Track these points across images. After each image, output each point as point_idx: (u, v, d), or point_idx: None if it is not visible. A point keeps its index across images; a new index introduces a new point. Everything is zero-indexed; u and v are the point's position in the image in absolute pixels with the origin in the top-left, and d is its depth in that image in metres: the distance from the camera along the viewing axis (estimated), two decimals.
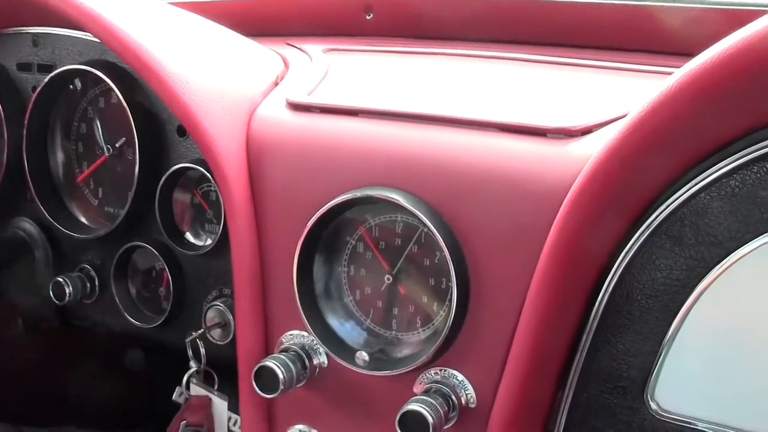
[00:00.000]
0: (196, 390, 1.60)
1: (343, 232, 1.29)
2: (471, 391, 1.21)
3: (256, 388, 1.27)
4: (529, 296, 1.11)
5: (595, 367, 1.12)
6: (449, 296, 1.17)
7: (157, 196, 1.54)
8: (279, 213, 1.32)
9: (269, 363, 1.27)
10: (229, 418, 1.58)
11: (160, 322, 1.59)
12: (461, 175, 1.17)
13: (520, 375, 1.15)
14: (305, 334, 1.34)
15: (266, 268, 1.35)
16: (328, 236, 1.29)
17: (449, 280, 1.16)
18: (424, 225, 1.18)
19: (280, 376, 1.27)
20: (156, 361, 1.87)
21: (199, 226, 1.60)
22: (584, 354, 1.15)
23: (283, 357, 1.29)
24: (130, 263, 1.65)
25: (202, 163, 1.43)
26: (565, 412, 1.17)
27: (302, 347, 1.34)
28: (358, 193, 1.20)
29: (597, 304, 1.12)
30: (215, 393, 1.59)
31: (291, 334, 1.36)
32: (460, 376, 1.22)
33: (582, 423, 1.14)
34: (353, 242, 1.30)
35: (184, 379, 1.59)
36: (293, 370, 1.29)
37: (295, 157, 1.29)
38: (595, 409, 1.12)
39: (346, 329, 1.33)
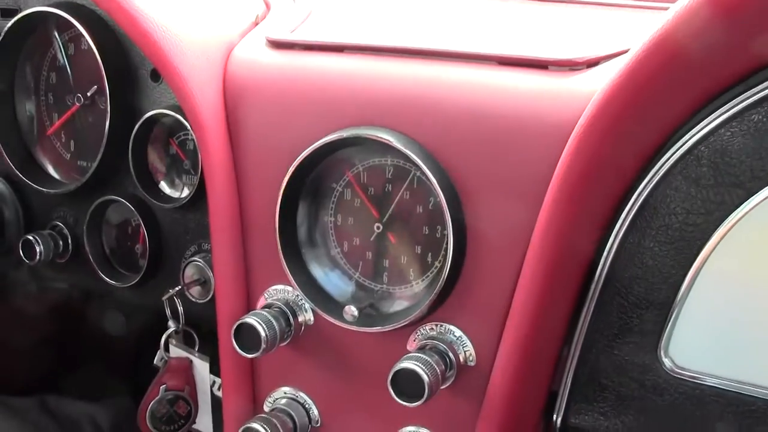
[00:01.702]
0: (176, 351, 1.54)
1: (329, 178, 1.22)
2: (470, 347, 1.15)
3: (236, 347, 1.20)
4: (532, 244, 1.05)
5: (603, 320, 1.06)
6: (445, 245, 1.12)
7: (130, 147, 1.48)
8: (259, 159, 1.25)
9: (250, 320, 1.20)
10: (213, 383, 1.53)
11: (136, 280, 1.53)
12: (457, 113, 1.10)
13: (522, 330, 1.09)
14: (289, 288, 1.28)
15: (246, 219, 1.28)
16: (313, 183, 1.23)
17: (445, 227, 1.11)
18: (417, 168, 1.12)
19: (262, 333, 1.20)
20: (135, 323, 1.83)
21: (176, 178, 1.53)
22: (592, 306, 1.08)
23: (265, 313, 1.22)
24: (105, 219, 1.58)
25: (178, 109, 1.36)
26: (572, 370, 1.10)
27: (286, 303, 1.28)
28: (345, 134, 1.13)
29: (606, 252, 1.05)
30: (196, 354, 1.53)
31: (274, 290, 1.30)
32: (458, 332, 1.16)
33: (589, 381, 1.08)
34: (340, 189, 1.24)
35: (162, 339, 1.53)
36: (276, 327, 1.22)
37: (276, 98, 1.21)
38: (604, 366, 1.06)
39: (333, 283, 1.27)
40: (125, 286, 1.55)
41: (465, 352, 1.15)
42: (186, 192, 1.46)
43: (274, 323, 1.21)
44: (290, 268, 1.22)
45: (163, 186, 1.53)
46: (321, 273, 1.26)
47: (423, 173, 1.10)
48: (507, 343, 1.09)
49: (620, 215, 1.02)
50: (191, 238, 1.49)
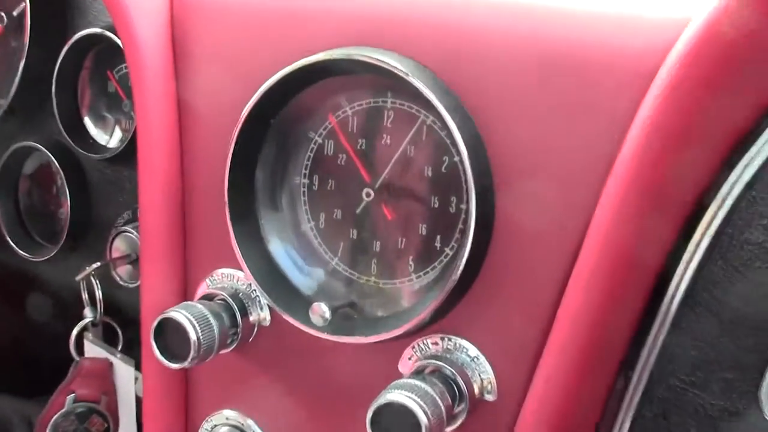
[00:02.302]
0: (92, 350, 1.30)
1: (304, 124, 1.02)
2: (489, 373, 0.91)
3: (156, 352, 0.97)
4: (591, 233, 0.83)
5: (679, 346, 0.85)
6: (461, 226, 0.93)
7: (54, 77, 1.32)
8: (211, 94, 1.06)
9: (176, 314, 0.96)
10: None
11: (53, 253, 1.36)
12: (492, 39, 0.88)
13: (569, 355, 0.84)
14: (239, 274, 1.05)
15: (189, 176, 1.08)
16: (281, 128, 1.01)
17: (462, 200, 0.92)
18: (430, 112, 0.93)
19: (192, 334, 0.96)
20: (57, 308, 1.59)
21: (112, 122, 1.36)
22: (666, 327, 0.86)
23: (200, 307, 0.99)
24: (21, 173, 1.43)
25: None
26: (632, 409, 0.89)
27: (234, 294, 1.04)
28: (328, 55, 0.92)
29: (689, 253, 0.84)
30: (118, 355, 1.29)
31: (220, 274, 1.07)
32: (473, 350, 0.92)
33: (655, 425, 0.87)
34: (318, 139, 1.02)
35: (73, 333, 1.30)
36: (216, 327, 0.99)
37: (237, 15, 1.03)
38: (677, 409, 0.86)
39: (300, 270, 1.03)
40: (40, 259, 1.39)
41: (482, 379, 0.91)
42: (120, 139, 1.32)
43: (213, 321, 0.98)
44: (241, 246, 0.99)
45: (95, 132, 1.35)
46: (284, 255, 1.03)
47: (438, 120, 0.92)
48: (545, 370, 0.86)
49: (707, 208, 0.83)
50: (125, 200, 1.32)
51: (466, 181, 0.86)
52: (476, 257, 0.88)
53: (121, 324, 1.32)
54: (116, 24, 1.07)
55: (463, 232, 0.91)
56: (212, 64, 1.06)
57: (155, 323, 0.97)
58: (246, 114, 0.95)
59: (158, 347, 0.96)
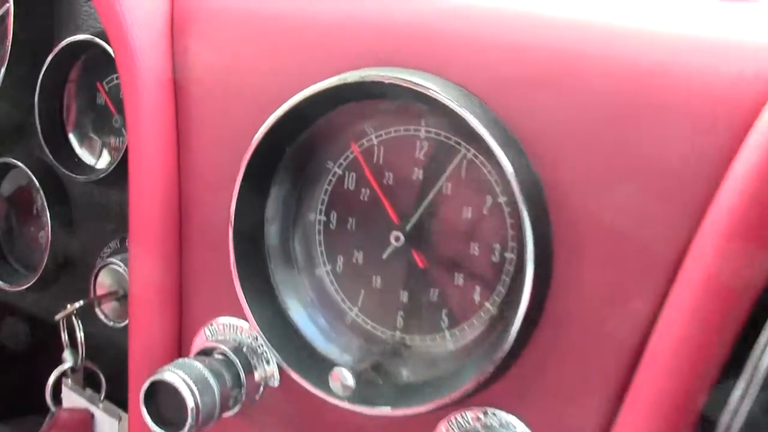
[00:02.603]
0: (71, 398, 1.17)
1: (322, 153, 0.92)
2: None
3: (147, 419, 0.85)
4: (676, 298, 0.70)
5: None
6: (506, 277, 0.82)
7: (37, 89, 1.21)
8: (215, 115, 0.95)
9: (171, 376, 0.84)
10: None
11: (32, 283, 1.24)
12: (552, 61, 0.77)
13: None
14: (244, 325, 0.93)
15: (187, 208, 0.97)
16: (296, 158, 0.91)
17: (508, 247, 0.82)
18: (472, 145, 0.83)
19: (189, 401, 0.84)
20: (38, 338, 1.50)
21: (100, 140, 1.24)
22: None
23: (198, 366, 0.87)
24: None
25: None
26: None
27: (237, 348, 0.93)
28: (351, 77, 0.81)
29: None
30: (100, 405, 1.16)
31: (220, 324, 0.96)
32: (522, 428, 0.79)
33: None
34: (338, 171, 0.92)
35: (50, 380, 1.18)
36: (216, 389, 0.87)
37: (246, 25, 0.94)
38: None
39: (314, 322, 0.92)
40: (16, 289, 1.26)
41: None
42: (108, 160, 1.21)
43: (213, 383, 0.86)
44: (246, 293, 0.89)
45: (80, 150, 1.24)
46: (296, 303, 0.93)
47: (480, 153, 0.83)
48: None
49: None
50: (114, 227, 1.19)
51: (520, 226, 0.75)
52: (531, 318, 0.77)
53: (106, 369, 1.21)
54: (108, 30, 0.97)
55: (510, 286, 0.82)
56: (218, 81, 0.96)
57: (146, 386, 0.85)
58: (258, 141, 0.86)
59: (150, 413, 0.85)
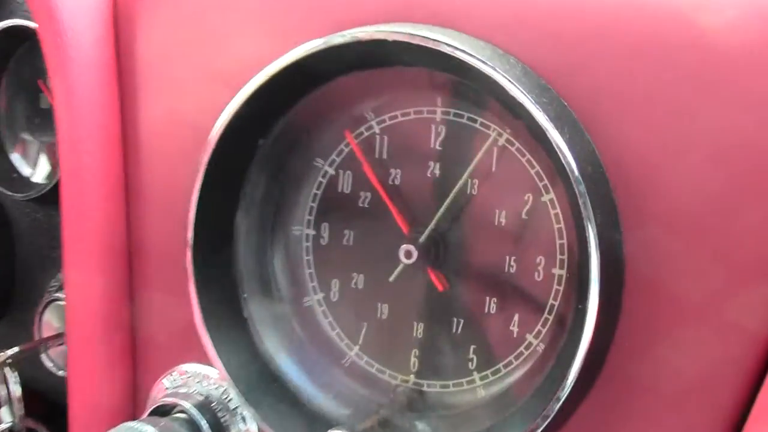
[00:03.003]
0: None
1: (307, 149, 0.80)
2: None
3: None
4: None
5: None
6: (554, 300, 0.71)
7: None
8: (169, 109, 0.83)
9: None
10: None
11: None
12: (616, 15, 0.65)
13: None
14: (212, 373, 0.81)
15: (137, 226, 0.85)
16: (274, 154, 0.79)
17: (557, 261, 0.70)
18: (507, 124, 0.70)
19: None
20: None
21: (41, 150, 1.12)
22: None
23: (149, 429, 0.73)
24: None
25: None
26: None
27: (204, 404, 0.79)
28: (340, 38, 0.67)
29: None
30: None
31: (183, 373, 0.83)
32: None
33: None
34: (329, 170, 0.80)
35: None
36: None
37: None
38: None
39: (303, 369, 0.79)
40: None
41: None
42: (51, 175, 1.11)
43: None
44: (213, 333, 0.76)
45: (18, 162, 1.13)
46: (279, 344, 0.80)
47: (519, 137, 0.70)
48: None
49: None
50: (60, 255, 1.00)
51: (577, 233, 0.62)
52: (596, 359, 0.63)
53: (53, 425, 1.11)
54: (33, 11, 0.88)
55: (560, 313, 0.70)
56: (172, 65, 0.85)
57: None
58: (220, 131, 0.73)
59: None
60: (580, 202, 0.60)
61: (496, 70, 0.61)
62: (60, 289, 1.09)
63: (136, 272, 0.87)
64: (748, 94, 0.62)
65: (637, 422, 0.67)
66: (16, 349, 1.01)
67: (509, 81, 0.61)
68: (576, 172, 0.60)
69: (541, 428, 0.63)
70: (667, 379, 0.64)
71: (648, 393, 0.65)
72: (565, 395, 0.62)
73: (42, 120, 1.14)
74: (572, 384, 0.61)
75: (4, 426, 1.05)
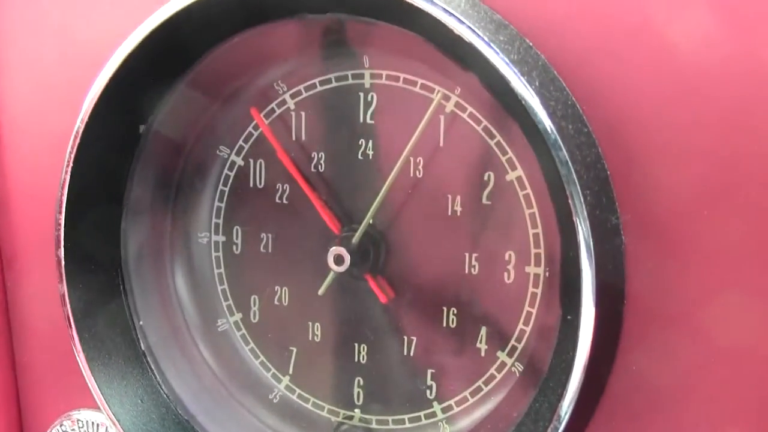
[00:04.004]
0: None
1: (206, 135, 0.67)
2: None
3: None
4: None
5: None
6: (530, 308, 0.60)
7: None
8: (30, 98, 0.70)
9: None
10: None
11: None
12: None
13: None
14: (104, 419, 0.68)
15: (8, 250, 0.72)
16: (162, 145, 0.66)
17: (538, 256, 0.59)
18: (457, 82, 0.59)
19: None
20: None
21: None
22: None
23: None
24: None
25: None
26: None
27: None
28: None
29: None
30: None
31: (75, 422, 0.71)
32: None
33: None
34: (236, 160, 0.67)
35: None
36: None
37: None
38: None
39: (220, 411, 0.66)
40: None
41: None
42: None
43: None
44: (99, 374, 0.64)
45: None
46: (186, 383, 0.66)
47: (472, 99, 0.58)
48: None
49: None
50: None
51: (559, 218, 0.50)
52: (593, 384, 0.50)
53: None
54: None
55: (536, 323, 0.59)
56: (33, 29, 0.71)
57: None
58: (85, 117, 0.59)
59: None
60: (561, 173, 0.46)
61: (431, 1, 0.47)
62: None
63: (13, 304, 0.72)
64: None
65: None
66: None
67: (449, 14, 0.47)
68: (552, 133, 0.46)
69: None
70: (681, 417, 0.51)
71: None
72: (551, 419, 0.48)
73: None
74: (564, 425, 0.48)
75: None
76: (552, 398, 0.49)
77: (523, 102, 0.47)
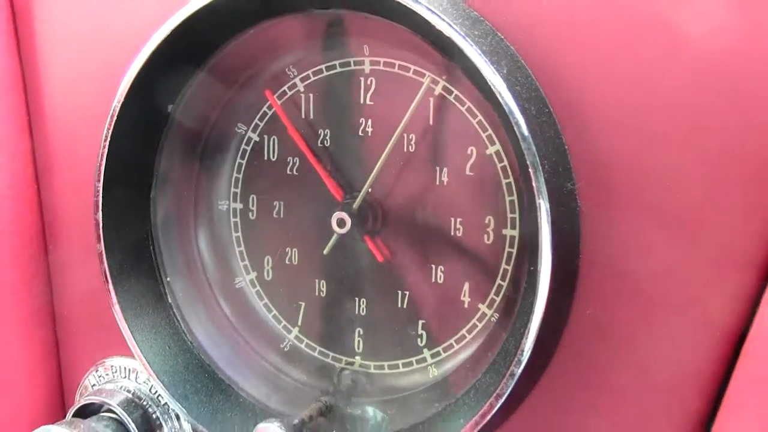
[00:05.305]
0: None
1: (226, 114, 0.71)
2: None
3: None
4: None
5: None
6: (507, 265, 0.64)
7: None
8: (71, 73, 0.74)
9: None
10: None
11: None
12: None
13: None
14: (139, 366, 0.71)
15: (49, 209, 0.76)
16: (189, 122, 0.69)
17: (508, 221, 0.63)
18: (443, 70, 0.63)
19: None
20: None
21: None
22: None
23: None
24: None
25: None
26: None
27: (130, 401, 0.70)
28: None
29: None
30: None
31: (109, 368, 0.74)
32: None
33: None
34: (253, 136, 0.72)
35: None
36: None
37: None
38: None
39: (237, 357, 0.70)
40: None
41: None
42: None
43: None
44: (132, 323, 0.67)
45: None
46: (208, 332, 0.70)
47: (456, 82, 0.62)
48: None
49: None
50: None
51: (521, 186, 0.57)
52: (552, 328, 0.55)
53: None
54: None
55: (512, 278, 0.64)
56: (71, 31, 0.76)
57: None
58: (121, 99, 0.64)
59: None
60: (523, 147, 0.52)
61: (419, 2, 0.52)
62: None
63: (54, 262, 0.78)
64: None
65: (598, 406, 0.59)
66: None
67: (435, 14, 0.53)
68: (517, 113, 0.52)
69: (495, 408, 0.55)
70: (632, 357, 0.57)
71: (609, 373, 0.58)
72: (520, 371, 0.54)
73: None
74: (526, 358, 0.53)
75: None
76: (518, 336, 0.54)
77: (492, 86, 0.51)
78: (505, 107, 0.52)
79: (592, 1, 0.58)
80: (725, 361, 0.55)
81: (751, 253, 0.56)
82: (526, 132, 0.51)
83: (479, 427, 0.57)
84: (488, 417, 0.55)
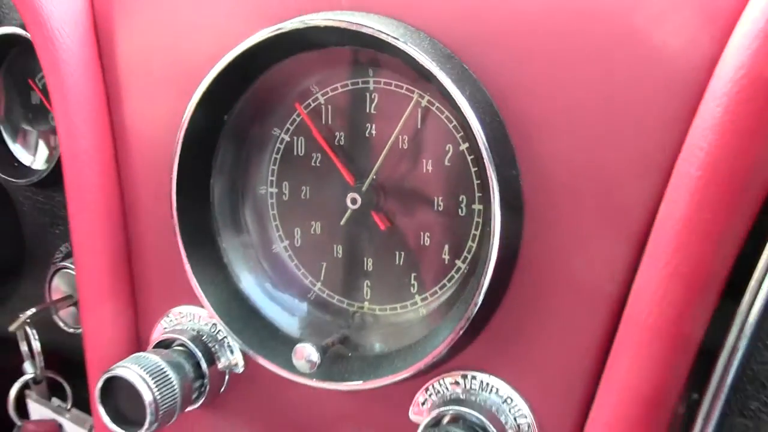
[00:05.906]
0: (37, 410, 1.12)
1: (265, 119, 0.84)
2: (528, 416, 0.72)
3: (105, 419, 0.79)
4: (658, 234, 0.65)
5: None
6: (476, 230, 0.76)
7: None
8: (147, 93, 0.88)
9: (124, 371, 0.78)
10: None
11: None
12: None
13: (632, 389, 0.66)
14: (201, 312, 0.87)
15: (129, 197, 0.91)
16: (238, 127, 0.83)
17: (476, 198, 0.76)
18: (427, 90, 0.76)
19: (146, 395, 0.77)
20: None
21: (38, 141, 1.17)
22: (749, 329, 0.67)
23: (153, 358, 0.80)
24: None
25: None
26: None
27: (196, 337, 0.86)
28: (289, 25, 0.73)
29: None
30: (67, 414, 1.10)
31: (177, 314, 0.89)
32: (505, 389, 0.73)
33: None
34: (285, 137, 0.85)
35: (12, 394, 1.10)
36: (176, 381, 0.80)
37: None
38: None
39: (275, 301, 0.85)
40: None
41: (518, 424, 0.73)
42: (46, 157, 1.15)
43: (172, 375, 0.80)
44: (199, 279, 0.82)
45: (19, 152, 1.17)
46: (254, 284, 0.85)
47: (435, 99, 0.76)
48: (605, 412, 0.67)
49: None
50: (62, 231, 1.12)
51: (482, 173, 0.69)
52: (503, 271, 0.70)
53: (71, 377, 1.14)
54: (26, 21, 0.91)
55: (479, 240, 0.75)
56: (147, 55, 0.89)
57: (100, 384, 0.79)
58: (191, 111, 0.79)
59: (108, 412, 0.79)
60: (481, 146, 0.67)
61: (408, 44, 0.68)
62: (64, 258, 1.12)
63: (133, 232, 0.91)
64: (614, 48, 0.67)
65: (549, 318, 0.71)
66: (33, 310, 1.07)
67: (418, 52, 0.68)
68: (475, 121, 0.67)
69: (464, 328, 0.69)
70: (566, 277, 0.70)
71: (551, 291, 0.71)
72: (481, 299, 0.68)
73: (34, 114, 1.15)
74: (485, 290, 0.68)
75: (27, 376, 1.10)
76: (479, 278, 0.68)
77: (458, 103, 0.67)
78: (468, 117, 0.67)
79: (530, 41, 0.69)
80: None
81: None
82: (482, 134, 0.67)
83: (453, 342, 0.70)
84: (460, 333, 0.69)
